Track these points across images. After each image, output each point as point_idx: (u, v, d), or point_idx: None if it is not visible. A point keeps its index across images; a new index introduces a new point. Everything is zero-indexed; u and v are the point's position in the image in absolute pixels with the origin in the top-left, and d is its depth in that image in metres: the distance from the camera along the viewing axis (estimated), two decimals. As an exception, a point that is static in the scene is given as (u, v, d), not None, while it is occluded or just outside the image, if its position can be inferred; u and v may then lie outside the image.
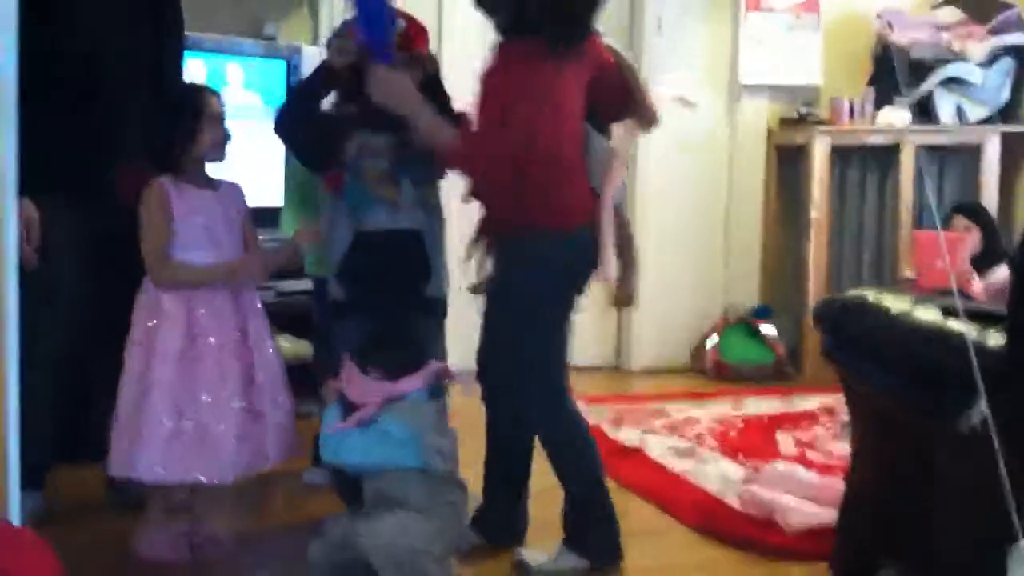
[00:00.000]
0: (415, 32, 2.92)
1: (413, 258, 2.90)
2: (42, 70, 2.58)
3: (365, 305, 2.81)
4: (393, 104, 2.72)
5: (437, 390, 2.56)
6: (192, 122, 2.81)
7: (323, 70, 2.88)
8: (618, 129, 2.94)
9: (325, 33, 4.66)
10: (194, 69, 3.81)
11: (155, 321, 2.76)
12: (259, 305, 2.93)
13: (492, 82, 2.70)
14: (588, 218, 2.76)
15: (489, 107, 2.70)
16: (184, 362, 2.73)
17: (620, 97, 2.85)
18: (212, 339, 2.77)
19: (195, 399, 2.72)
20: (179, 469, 2.70)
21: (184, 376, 2.72)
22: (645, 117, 2.91)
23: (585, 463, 2.86)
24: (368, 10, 2.69)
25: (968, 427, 2.10)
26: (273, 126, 2.92)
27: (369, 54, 2.74)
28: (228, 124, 2.89)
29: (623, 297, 2.96)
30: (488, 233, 2.92)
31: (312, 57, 4.37)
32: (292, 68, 4.31)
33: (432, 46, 3.09)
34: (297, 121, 2.92)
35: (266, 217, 4.24)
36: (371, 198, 2.84)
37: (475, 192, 2.84)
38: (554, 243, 2.73)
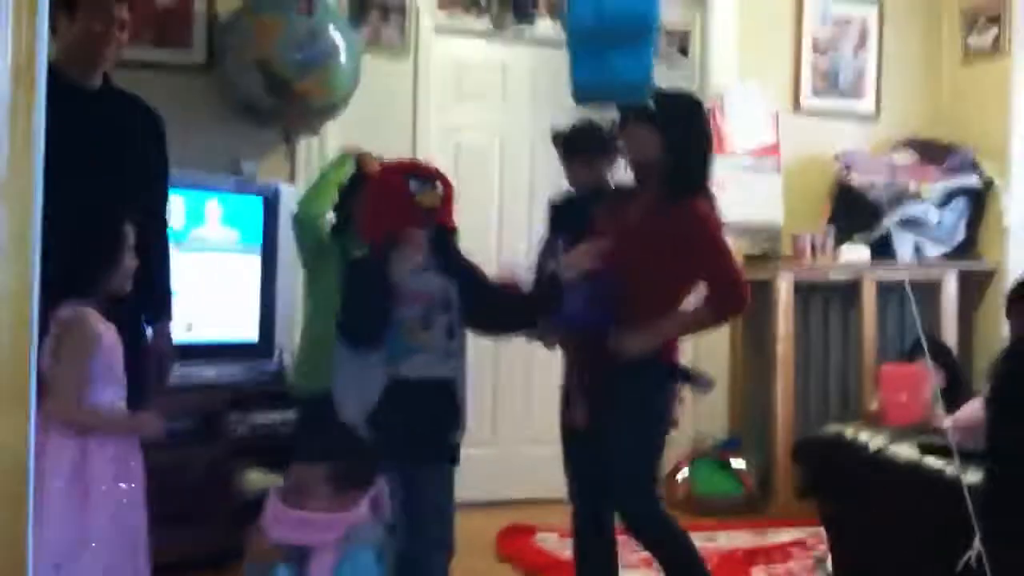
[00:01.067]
0: (447, 201, 2.96)
1: (446, 408, 2.92)
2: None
3: (397, 452, 2.74)
4: (649, 348, 3.05)
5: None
6: (117, 250, 2.66)
7: (384, 282, 2.85)
8: None
9: (302, 170, 4.72)
10: (174, 205, 3.86)
11: (41, 464, 2.40)
12: (139, 459, 2.70)
13: (716, 237, 3.10)
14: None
15: (726, 253, 3.12)
16: (71, 511, 2.48)
17: None
18: (103, 487, 2.55)
19: (83, 550, 2.49)
20: None
21: (72, 526, 2.48)
22: None
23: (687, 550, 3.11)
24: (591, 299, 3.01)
25: (964, 567, 2.14)
26: (345, 339, 2.89)
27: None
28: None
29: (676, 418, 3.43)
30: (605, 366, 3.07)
31: (288, 195, 4.38)
32: (269, 204, 4.36)
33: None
34: (378, 334, 2.87)
35: (241, 352, 4.27)
36: (406, 346, 2.86)
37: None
38: (668, 373, 3.19)
